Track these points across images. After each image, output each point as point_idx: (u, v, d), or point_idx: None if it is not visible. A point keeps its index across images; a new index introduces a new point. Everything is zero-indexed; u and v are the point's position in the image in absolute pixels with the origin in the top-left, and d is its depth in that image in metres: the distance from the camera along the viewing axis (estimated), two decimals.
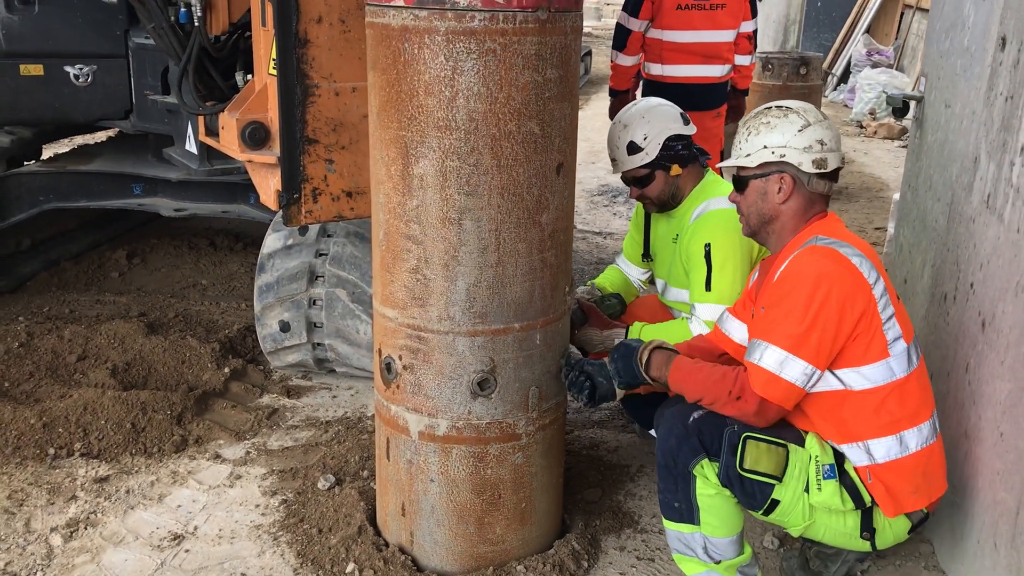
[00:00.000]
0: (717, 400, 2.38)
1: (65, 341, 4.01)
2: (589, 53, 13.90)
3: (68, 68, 4.36)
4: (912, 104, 3.68)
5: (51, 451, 3.28)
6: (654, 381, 2.55)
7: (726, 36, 4.88)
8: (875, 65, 12.24)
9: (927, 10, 8.64)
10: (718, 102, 5.02)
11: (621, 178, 3.11)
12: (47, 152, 5.43)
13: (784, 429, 2.43)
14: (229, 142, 3.20)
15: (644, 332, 3.01)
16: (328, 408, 3.77)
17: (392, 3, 2.26)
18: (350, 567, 2.65)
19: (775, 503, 2.37)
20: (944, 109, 3.24)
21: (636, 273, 3.46)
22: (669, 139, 2.98)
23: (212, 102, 3.47)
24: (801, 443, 2.41)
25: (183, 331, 4.27)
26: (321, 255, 3.75)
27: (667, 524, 2.50)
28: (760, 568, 2.63)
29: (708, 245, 2.90)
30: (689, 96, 4.50)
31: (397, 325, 2.50)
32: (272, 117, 3.09)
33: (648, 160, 2.98)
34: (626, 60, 4.90)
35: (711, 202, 2.99)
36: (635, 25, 4.77)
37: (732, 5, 4.82)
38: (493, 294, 2.41)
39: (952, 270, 2.89)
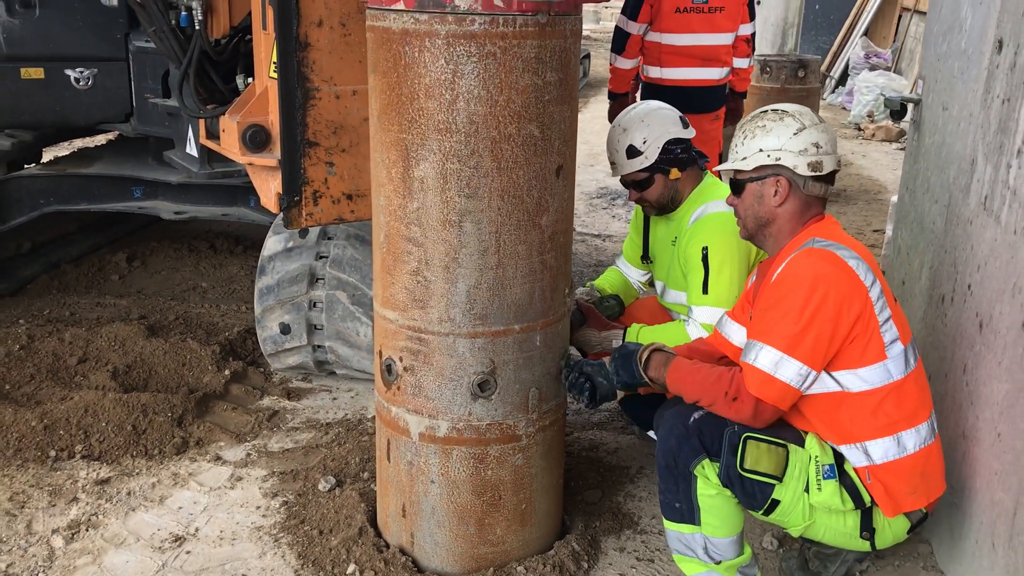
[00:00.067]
0: (715, 402, 2.39)
1: (66, 344, 4.02)
2: (588, 56, 13.92)
3: (69, 71, 4.37)
4: (910, 107, 3.69)
5: (52, 453, 3.29)
6: (652, 382, 2.56)
7: (724, 39, 4.89)
8: (873, 68, 12.27)
9: (925, 13, 8.65)
10: (716, 105, 5.04)
11: (620, 181, 3.12)
12: (47, 155, 5.44)
13: (784, 429, 2.44)
14: (230, 145, 3.22)
15: (642, 334, 3.02)
16: (328, 410, 3.78)
17: (393, 7, 2.27)
18: (351, 568, 2.66)
19: (775, 503, 2.38)
20: (942, 112, 3.25)
21: (636, 275, 3.47)
22: (668, 143, 2.99)
23: (213, 105, 3.48)
24: (801, 443, 2.42)
25: (183, 333, 4.28)
26: (321, 257, 3.76)
27: (667, 525, 2.51)
28: (760, 569, 2.64)
29: (705, 248, 2.91)
30: (688, 99, 4.52)
31: (398, 327, 2.51)
32: (273, 120, 3.11)
33: (647, 164, 2.99)
34: (625, 63, 4.91)
35: (709, 205, 3.00)
36: (634, 28, 4.79)
37: (730, 8, 4.84)
38: (493, 296, 2.42)
39: (950, 272, 2.91)
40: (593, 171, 8.13)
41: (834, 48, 13.41)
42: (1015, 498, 2.35)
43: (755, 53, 5.31)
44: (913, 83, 10.47)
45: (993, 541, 2.46)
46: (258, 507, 3.07)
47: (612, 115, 4.94)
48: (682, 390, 2.47)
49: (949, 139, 3.12)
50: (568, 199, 2.53)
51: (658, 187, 3.04)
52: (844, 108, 12.18)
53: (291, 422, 3.67)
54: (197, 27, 3.35)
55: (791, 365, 2.31)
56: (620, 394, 2.65)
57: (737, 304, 2.74)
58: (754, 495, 2.37)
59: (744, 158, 2.49)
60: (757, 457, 2.35)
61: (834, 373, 2.37)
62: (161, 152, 4.67)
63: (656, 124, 3.00)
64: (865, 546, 2.48)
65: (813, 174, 2.43)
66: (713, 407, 2.40)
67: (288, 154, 2.99)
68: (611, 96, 5.07)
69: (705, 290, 2.91)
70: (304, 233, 3.78)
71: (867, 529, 2.44)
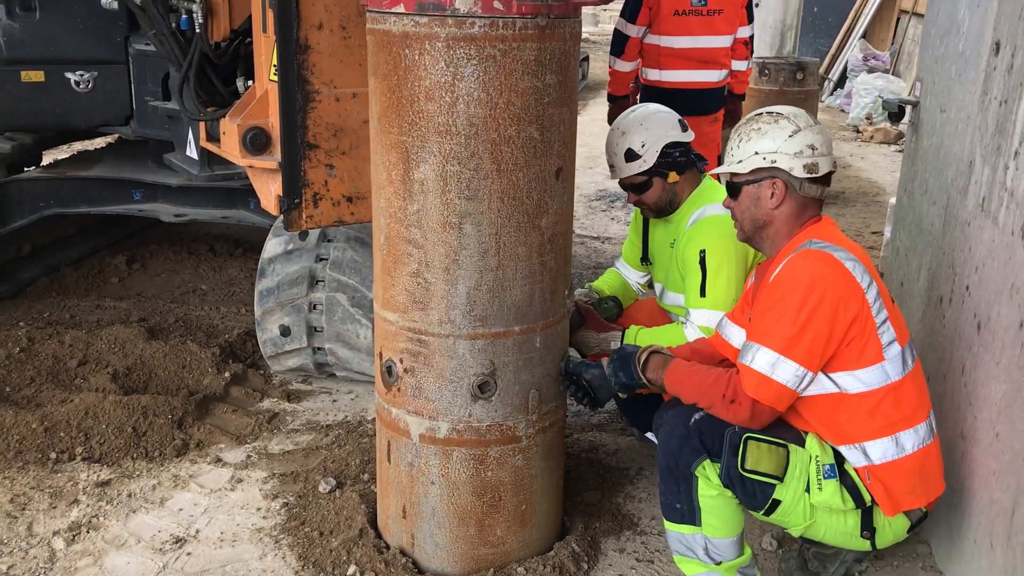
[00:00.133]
0: (712, 403, 2.40)
1: (66, 346, 4.02)
2: (587, 58, 13.93)
3: (69, 74, 4.38)
4: (908, 109, 3.70)
5: (53, 455, 3.29)
6: (651, 383, 2.57)
7: (723, 41, 4.91)
8: (871, 70, 12.29)
9: (923, 15, 8.68)
10: (715, 107, 5.05)
11: (619, 184, 3.13)
12: (47, 158, 5.44)
13: (784, 429, 2.45)
14: (230, 148, 3.22)
15: (640, 335, 3.02)
16: (328, 412, 3.78)
17: (393, 9, 2.28)
18: (351, 570, 2.67)
19: (776, 503, 2.39)
20: (939, 114, 3.26)
21: (635, 276, 3.47)
22: (667, 146, 2.99)
23: (213, 108, 3.49)
24: (801, 443, 2.43)
25: (183, 336, 4.28)
26: (321, 260, 3.77)
27: (668, 525, 2.51)
28: (759, 569, 2.65)
29: (703, 251, 2.91)
30: (686, 101, 4.53)
31: (398, 328, 2.52)
32: (273, 123, 3.11)
33: (646, 167, 3.00)
34: (624, 66, 4.93)
35: (707, 208, 3.00)
36: (633, 31, 4.80)
37: (729, 11, 4.86)
38: (493, 297, 2.43)
39: (948, 273, 2.92)
40: (592, 173, 8.13)
41: (832, 50, 13.43)
42: (1013, 498, 2.36)
43: (753, 55, 5.32)
44: (911, 85, 10.50)
45: (991, 541, 2.46)
46: (258, 509, 3.08)
47: (611, 117, 4.95)
48: (680, 392, 2.48)
49: (947, 141, 3.13)
50: (568, 201, 2.54)
51: (656, 190, 3.05)
52: (842, 110, 12.20)
53: (291, 424, 3.67)
54: (197, 30, 3.35)
55: (788, 366, 2.32)
56: (619, 395, 2.65)
57: (736, 306, 2.75)
58: (755, 495, 2.38)
59: (740, 161, 2.50)
60: (758, 457, 2.36)
61: (832, 375, 2.38)
62: (161, 155, 4.68)
63: (655, 128, 3.00)
64: (865, 545, 2.49)
65: (809, 176, 2.44)
66: (711, 409, 2.41)
67: (288, 156, 3.00)
68: (610, 98, 5.09)
69: (703, 293, 2.92)
70: (304, 235, 3.78)
71: (867, 528, 2.44)
